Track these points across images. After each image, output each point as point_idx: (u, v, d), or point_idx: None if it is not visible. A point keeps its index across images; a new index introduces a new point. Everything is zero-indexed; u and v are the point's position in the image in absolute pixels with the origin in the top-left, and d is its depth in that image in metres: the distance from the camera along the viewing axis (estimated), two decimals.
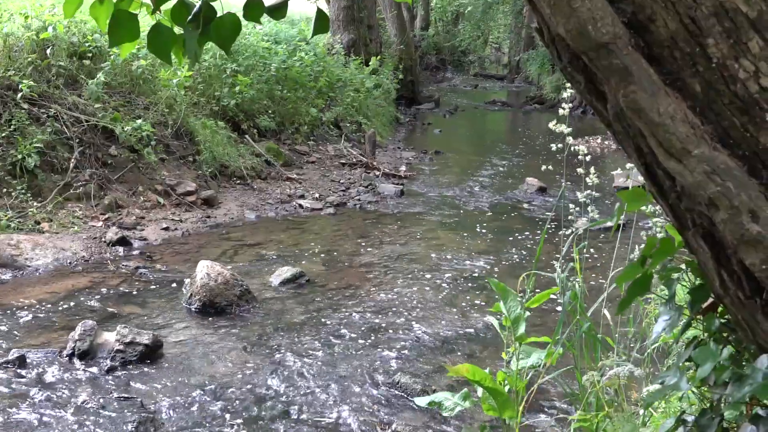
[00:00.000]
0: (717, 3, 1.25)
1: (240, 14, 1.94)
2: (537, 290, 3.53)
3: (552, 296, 3.58)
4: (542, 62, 26.24)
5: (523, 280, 3.51)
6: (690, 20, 1.27)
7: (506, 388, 3.24)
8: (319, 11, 2.05)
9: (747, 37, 1.24)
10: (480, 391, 3.28)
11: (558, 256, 3.44)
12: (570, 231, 3.40)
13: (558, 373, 3.46)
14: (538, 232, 8.53)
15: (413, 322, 5.79)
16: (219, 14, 1.89)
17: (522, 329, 3.18)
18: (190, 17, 1.86)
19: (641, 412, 2.88)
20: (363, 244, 8.02)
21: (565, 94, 3.46)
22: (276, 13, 1.96)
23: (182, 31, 1.92)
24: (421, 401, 3.49)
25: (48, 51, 8.50)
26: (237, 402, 4.45)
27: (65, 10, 1.95)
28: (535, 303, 3.32)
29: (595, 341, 3.28)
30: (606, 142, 14.90)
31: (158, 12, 1.92)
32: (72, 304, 5.88)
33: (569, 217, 3.55)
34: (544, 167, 4.10)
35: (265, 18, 1.95)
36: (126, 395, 4.43)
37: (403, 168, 12.30)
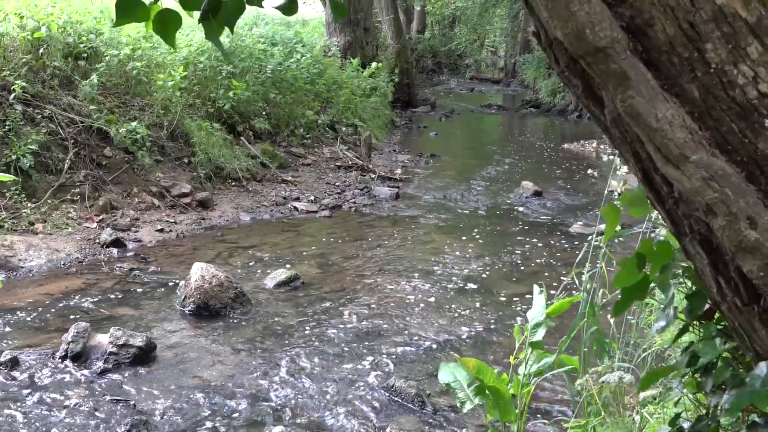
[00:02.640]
0: (716, 8, 1.24)
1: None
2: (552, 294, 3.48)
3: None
4: (538, 66, 26.25)
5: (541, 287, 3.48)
6: (688, 25, 1.26)
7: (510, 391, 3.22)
8: (332, 0, 2.08)
9: (746, 43, 1.23)
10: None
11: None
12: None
13: (556, 371, 3.44)
14: (534, 235, 8.52)
15: (408, 326, 5.78)
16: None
17: (540, 335, 3.15)
18: (200, 14, 1.86)
19: (636, 418, 2.88)
20: (358, 246, 8.00)
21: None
22: (287, 10, 1.96)
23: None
24: (443, 376, 3.37)
25: (40, 51, 8.47)
26: (230, 405, 4.43)
27: None
28: (556, 312, 3.27)
29: (602, 345, 3.25)
30: (602, 146, 14.92)
31: None
32: (65, 305, 5.85)
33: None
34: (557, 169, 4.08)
35: (262, 19, 1.96)
36: (119, 397, 4.41)
37: (399, 171, 12.29)
